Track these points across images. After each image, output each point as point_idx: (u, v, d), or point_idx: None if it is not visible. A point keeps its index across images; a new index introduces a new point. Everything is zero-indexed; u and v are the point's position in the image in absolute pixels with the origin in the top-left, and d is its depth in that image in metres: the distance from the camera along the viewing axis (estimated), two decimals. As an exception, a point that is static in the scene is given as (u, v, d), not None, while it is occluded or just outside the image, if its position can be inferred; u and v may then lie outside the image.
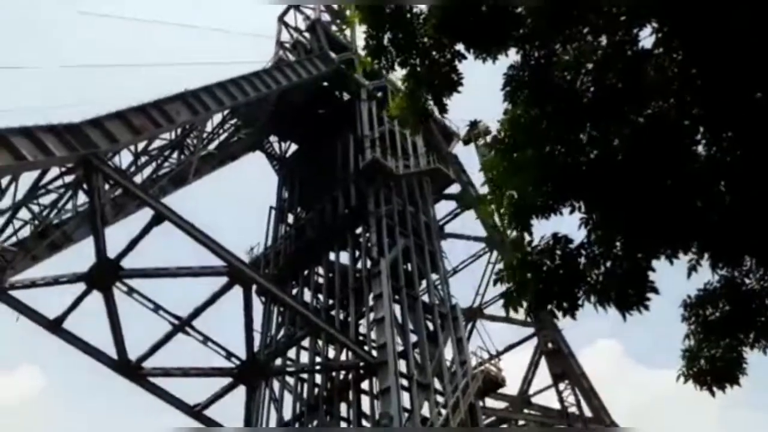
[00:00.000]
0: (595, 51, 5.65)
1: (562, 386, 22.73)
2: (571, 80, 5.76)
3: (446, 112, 5.89)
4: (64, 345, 15.65)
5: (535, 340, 24.21)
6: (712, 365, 5.93)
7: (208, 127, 21.54)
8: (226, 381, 17.71)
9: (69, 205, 15.78)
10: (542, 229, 5.28)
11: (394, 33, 5.52)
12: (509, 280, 5.02)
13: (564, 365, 22.91)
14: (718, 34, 5.06)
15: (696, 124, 5.50)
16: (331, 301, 21.64)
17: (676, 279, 5.37)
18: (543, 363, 23.71)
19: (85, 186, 15.05)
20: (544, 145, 5.12)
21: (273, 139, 29.21)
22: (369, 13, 5.38)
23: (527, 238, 4.98)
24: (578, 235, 5.27)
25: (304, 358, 20.56)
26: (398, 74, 6.58)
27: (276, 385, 20.38)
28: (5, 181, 12.99)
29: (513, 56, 6.01)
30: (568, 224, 5.42)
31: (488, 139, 30.08)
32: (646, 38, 5.66)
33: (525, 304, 5.03)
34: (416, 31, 5.59)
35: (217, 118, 21.69)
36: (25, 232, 15.46)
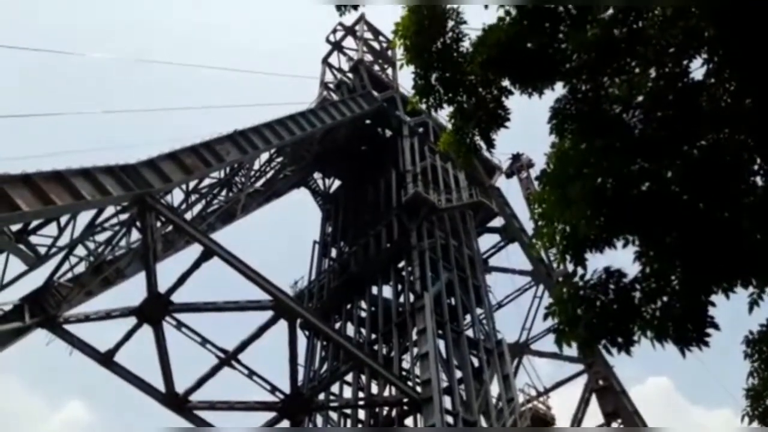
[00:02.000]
0: (645, 84, 5.62)
1: (614, 425, 21.83)
2: (621, 113, 5.74)
3: (494, 147, 5.94)
4: (108, 380, 16.00)
5: (584, 377, 23.45)
6: (779, 405, 5.66)
7: (256, 165, 22.11)
8: (270, 415, 17.74)
9: (123, 242, 16.34)
10: (595, 263, 5.20)
11: (442, 71, 5.64)
12: (560, 315, 4.94)
13: (616, 403, 22.05)
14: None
15: (752, 154, 5.38)
16: (374, 336, 21.56)
17: (729, 313, 5.19)
18: (593, 400, 22.90)
19: (138, 224, 15.60)
20: (594, 178, 5.07)
21: (317, 175, 29.77)
22: (416, 53, 5.52)
23: (580, 271, 4.90)
24: (631, 270, 5.17)
25: (348, 393, 20.44)
26: (440, 111, 6.68)
27: (320, 420, 20.26)
28: (64, 219, 13.57)
29: (559, 90, 6.05)
30: (621, 259, 5.33)
31: (531, 172, 29.96)
32: (697, 69, 5.62)
33: (577, 339, 4.92)
34: (463, 68, 5.69)
35: (264, 156, 22.27)
36: (81, 268, 16.05)
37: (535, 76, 5.93)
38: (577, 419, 22.92)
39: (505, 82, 6.02)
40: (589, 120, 5.78)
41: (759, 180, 5.35)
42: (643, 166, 5.45)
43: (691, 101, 5.50)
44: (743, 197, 5.22)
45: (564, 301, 4.76)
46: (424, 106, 5.83)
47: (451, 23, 5.68)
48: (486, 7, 5.87)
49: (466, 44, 5.86)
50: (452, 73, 5.69)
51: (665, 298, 4.98)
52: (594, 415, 22.69)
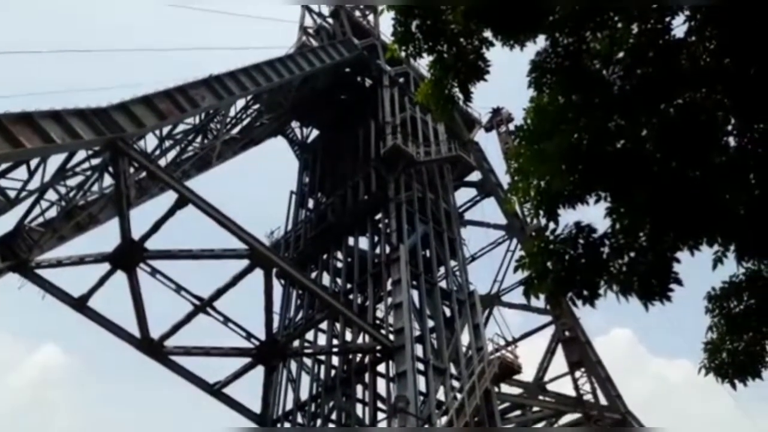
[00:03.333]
0: (627, 39, 5.58)
1: (578, 374, 22.71)
2: (601, 69, 5.72)
3: (471, 100, 5.87)
4: (83, 326, 16.03)
5: (552, 328, 24.19)
6: (734, 358, 5.91)
7: (232, 112, 21.69)
8: (245, 361, 18.04)
9: (95, 187, 16.06)
10: (568, 218, 5.28)
11: (422, 19, 5.50)
12: (530, 268, 5.03)
13: (580, 353, 22.87)
14: (753, 22, 4.98)
15: (727, 115, 5.43)
16: (349, 286, 21.82)
17: (691, 269, 5.34)
18: (559, 351, 23.71)
19: (110, 169, 15.31)
20: (571, 134, 5.09)
21: (295, 124, 29.32)
22: (398, -1, 5.37)
23: (551, 226, 4.97)
24: (602, 226, 5.27)
25: (322, 340, 20.82)
26: (421, 61, 6.57)
27: (294, 366, 20.67)
28: (34, 162, 13.25)
29: (541, 43, 5.98)
30: (593, 215, 5.40)
31: (510, 126, 29.91)
32: (679, 27, 5.59)
33: (545, 291, 5.04)
34: (444, 17, 5.56)
35: (240, 103, 21.83)
36: (52, 212, 15.79)
37: (517, 28, 5.83)
38: (543, 368, 23.77)
39: (487, 33, 5.91)
40: (569, 75, 5.74)
41: (732, 140, 5.42)
42: (619, 123, 5.48)
43: (671, 59, 5.49)
44: (715, 157, 5.29)
45: (534, 254, 4.84)
46: (403, 54, 5.71)
47: (433, -31, 5.51)
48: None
49: (447, -8, 5.71)
50: (433, 22, 5.56)
51: (632, 254, 5.11)
52: (560, 364, 23.58)
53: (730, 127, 5.40)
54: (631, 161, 5.14)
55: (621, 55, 5.69)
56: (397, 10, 5.44)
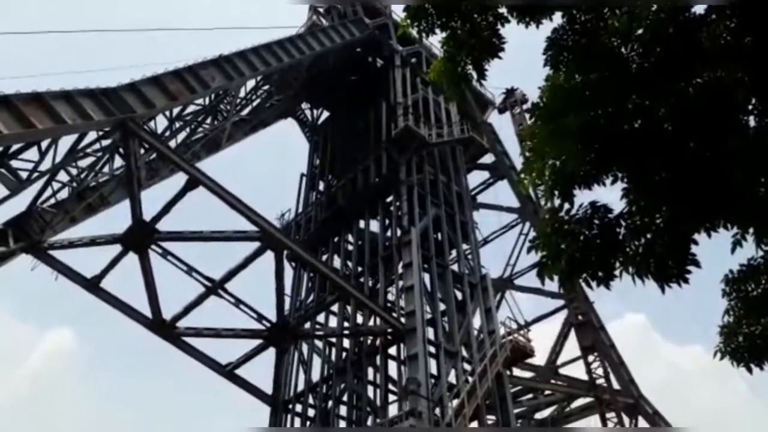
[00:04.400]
0: (646, 16, 5.41)
1: (590, 358, 22.66)
2: (619, 46, 5.56)
3: (485, 78, 5.74)
4: (96, 307, 16.17)
5: (564, 312, 24.12)
6: (751, 342, 5.82)
7: (242, 93, 21.58)
8: (256, 342, 18.17)
9: (106, 168, 16.10)
10: (583, 199, 5.16)
11: (436, -5, 5.37)
12: (544, 249, 4.94)
13: (593, 337, 22.80)
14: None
15: (747, 94, 5.27)
16: (360, 269, 21.81)
17: (707, 255, 5.22)
18: (572, 335, 23.65)
19: (121, 150, 15.32)
20: (587, 112, 4.95)
21: (305, 105, 29.14)
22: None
23: (566, 207, 4.86)
24: (618, 207, 5.15)
25: (333, 323, 20.88)
26: (433, 40, 6.44)
27: (305, 348, 20.78)
28: (45, 143, 13.27)
29: (557, 21, 5.82)
30: (608, 196, 5.29)
31: (525, 107, 29.55)
32: (699, 4, 5.42)
33: (559, 272, 4.94)
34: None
35: (251, 83, 21.70)
36: (64, 193, 15.87)
37: (534, 4, 5.69)
38: (556, 352, 23.74)
39: (502, 9, 5.77)
40: (586, 52, 5.60)
41: (752, 120, 5.27)
42: (636, 102, 5.34)
43: (690, 37, 5.33)
44: (734, 137, 5.15)
45: (548, 234, 4.75)
46: (415, 31, 5.58)
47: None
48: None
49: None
50: (447, -3, 5.42)
51: (649, 236, 4.99)
52: (572, 348, 23.54)
53: (750, 107, 5.25)
54: (648, 141, 5.01)
55: (640, 32, 5.53)
56: (410, -15, 5.31)
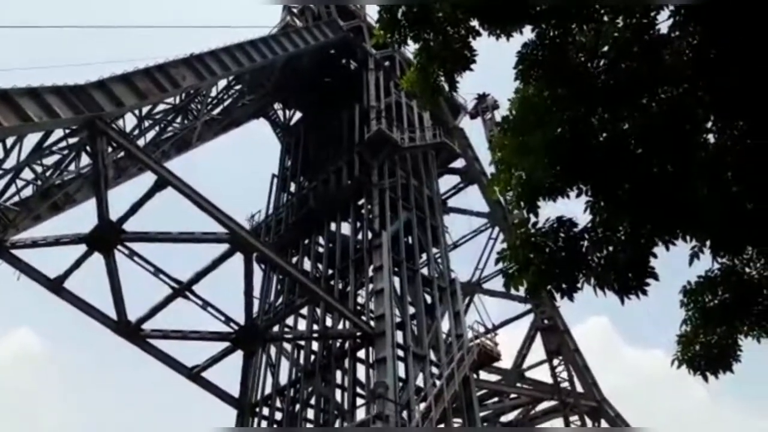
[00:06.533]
0: (612, 33, 5.58)
1: (555, 362, 23.06)
2: (586, 62, 5.72)
3: (456, 90, 5.85)
4: (59, 309, 15.82)
5: (531, 316, 24.48)
6: (707, 351, 6.02)
7: (213, 92, 21.38)
8: (224, 345, 17.99)
9: (72, 167, 15.78)
10: (548, 210, 5.31)
11: (409, 7, 5.44)
12: (511, 260, 5.06)
13: (559, 341, 23.21)
14: (737, 19, 5.00)
15: (708, 111, 5.47)
16: (330, 271, 21.79)
17: (670, 261, 5.42)
18: (538, 339, 24.03)
19: (88, 148, 15.03)
20: (555, 126, 5.09)
21: (277, 106, 28.99)
22: (385, -15, 5.29)
23: (533, 219, 5.00)
24: (582, 218, 5.30)
25: (302, 325, 20.80)
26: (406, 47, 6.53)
27: (273, 351, 20.65)
28: (10, 141, 12.95)
29: (527, 34, 5.95)
30: (569, 209, 5.44)
31: (496, 113, 29.94)
32: (663, 22, 5.60)
33: (525, 283, 5.07)
34: (431, 5, 5.50)
35: (222, 83, 21.52)
36: (28, 191, 15.50)
37: (504, 18, 5.80)
38: (522, 355, 24.08)
39: (474, 23, 5.87)
40: (555, 67, 5.74)
41: (711, 137, 5.47)
42: (602, 117, 5.50)
43: (654, 54, 5.50)
44: (694, 153, 5.34)
45: (516, 246, 4.87)
46: (388, 41, 5.65)
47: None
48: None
49: (436, -20, 5.65)
50: (419, 9, 5.50)
51: (610, 248, 5.15)
52: (538, 351, 23.90)
53: (710, 124, 5.45)
54: (612, 156, 5.17)
55: (606, 48, 5.69)
56: (384, -3, 5.37)
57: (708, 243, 5.38)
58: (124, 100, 15.25)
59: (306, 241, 23.22)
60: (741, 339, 6.07)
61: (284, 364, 20.20)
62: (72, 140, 14.90)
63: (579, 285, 4.88)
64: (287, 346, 20.42)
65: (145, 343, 16.90)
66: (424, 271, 21.16)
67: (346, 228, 22.54)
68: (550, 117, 5.28)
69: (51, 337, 56.87)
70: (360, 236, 21.81)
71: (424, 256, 21.73)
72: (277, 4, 27.80)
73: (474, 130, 30.31)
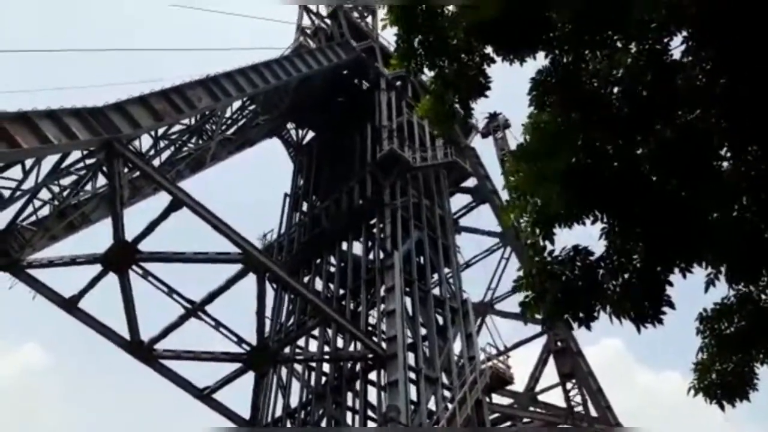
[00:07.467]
0: (625, 60, 5.62)
1: (569, 385, 22.75)
2: (599, 88, 5.75)
3: (471, 116, 5.91)
4: (74, 327, 15.92)
5: (544, 338, 24.23)
6: (723, 379, 5.95)
7: (227, 113, 21.62)
8: (235, 366, 17.95)
9: (88, 187, 15.99)
10: (563, 235, 5.31)
11: (425, 35, 5.52)
12: (528, 288, 5.06)
13: (572, 364, 22.92)
14: (749, 44, 5.02)
15: (722, 137, 5.47)
16: (342, 291, 21.76)
17: (685, 286, 5.38)
18: (551, 361, 23.75)
19: (105, 169, 15.24)
20: (570, 154, 5.11)
21: (290, 126, 29.24)
22: (402, 14, 5.38)
23: (549, 247, 5.00)
24: (597, 244, 5.30)
25: (313, 346, 20.74)
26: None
27: (284, 372, 20.58)
28: (29, 162, 13.17)
29: (540, 59, 6.01)
30: (585, 233, 5.44)
31: (507, 132, 29.99)
32: (676, 48, 5.63)
33: (542, 312, 5.06)
34: (446, 33, 5.58)
35: (237, 103, 21.76)
36: (45, 211, 15.69)
37: (518, 45, 5.87)
38: (535, 378, 23.80)
39: (488, 49, 5.94)
40: (568, 93, 5.77)
41: (725, 164, 5.46)
42: (617, 144, 5.51)
43: (668, 81, 5.52)
44: (710, 179, 5.32)
45: (532, 275, 4.87)
46: (405, 69, 5.74)
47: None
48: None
49: (451, 8, 5.74)
50: (435, 38, 5.59)
51: (626, 276, 5.14)
52: (551, 374, 23.61)
53: (724, 150, 5.44)
54: (627, 182, 5.17)
55: (619, 73, 5.72)
56: (401, 26, 5.46)
57: (723, 269, 5.35)
58: (140, 121, 15.49)
59: (318, 261, 23.25)
60: (758, 367, 5.99)
61: (295, 386, 20.13)
62: (89, 161, 15.12)
63: (596, 314, 4.86)
64: (298, 367, 20.35)
65: (157, 363, 16.91)
66: (436, 291, 21.09)
67: (357, 248, 22.57)
68: (565, 144, 5.30)
69: (58, 352, 57.03)
70: (372, 256, 21.81)
71: (436, 276, 21.66)
72: (293, 3, 28.17)
73: (485, 150, 30.32)
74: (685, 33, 5.54)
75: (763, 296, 5.92)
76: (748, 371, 5.95)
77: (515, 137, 28.11)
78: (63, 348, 55.48)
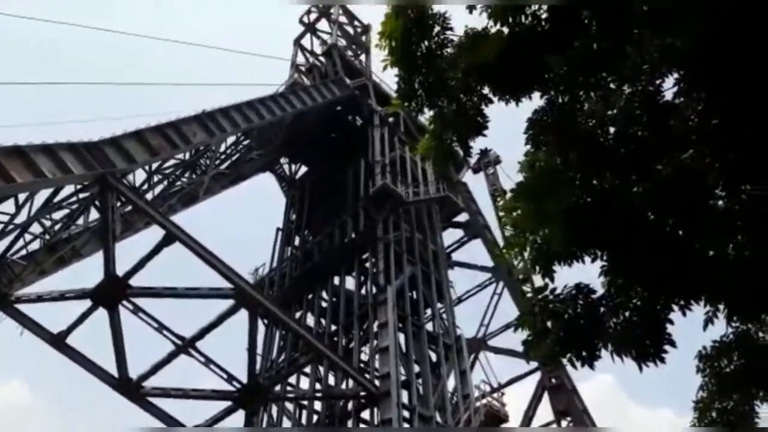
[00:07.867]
0: (619, 101, 5.75)
1: (564, 423, 22.45)
2: (595, 128, 5.86)
3: (470, 155, 5.99)
4: (56, 362, 15.60)
5: (538, 374, 24.00)
6: (724, 418, 5.92)
7: (222, 148, 21.72)
8: (225, 404, 17.59)
9: (80, 221, 15.88)
10: (561, 273, 5.32)
11: (425, 76, 5.64)
12: (529, 327, 5.05)
13: (567, 401, 22.66)
14: (741, 85, 5.14)
15: (717, 176, 5.55)
16: (334, 327, 21.55)
17: (682, 323, 5.39)
18: (545, 398, 23.46)
19: (97, 203, 15.17)
20: (568, 193, 5.17)
21: (284, 160, 29.41)
22: (403, 56, 5.51)
23: (550, 285, 5.01)
24: (596, 281, 5.32)
25: (305, 384, 20.40)
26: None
27: (275, 410, 20.18)
28: (22, 196, 13.11)
29: (536, 99, 6.14)
30: (582, 271, 5.46)
31: (498, 168, 30.28)
32: (669, 89, 5.77)
33: (544, 351, 5.03)
34: (446, 74, 5.71)
35: (231, 138, 21.89)
36: (35, 245, 15.54)
37: (515, 86, 5.99)
38: (529, 416, 23.47)
39: (486, 90, 6.06)
40: (565, 132, 5.87)
41: (720, 203, 5.54)
42: (613, 183, 5.59)
43: (662, 121, 5.64)
44: (705, 218, 5.39)
45: (534, 313, 4.86)
46: (406, 109, 5.84)
47: (437, 28, 5.68)
48: (470, 11, 5.89)
49: (449, 50, 5.87)
50: (435, 78, 5.70)
51: (627, 314, 5.14)
52: (545, 412, 23.30)
53: (718, 190, 5.52)
54: (625, 221, 5.22)
55: (614, 113, 5.84)
56: (402, 67, 5.58)
57: (722, 308, 5.38)
58: (136, 156, 15.52)
59: (310, 296, 23.07)
60: (758, 405, 5.98)
61: (286, 425, 19.70)
62: (82, 195, 15.06)
63: (598, 353, 4.84)
64: (289, 405, 19.97)
65: (145, 401, 16.53)
66: (429, 326, 20.92)
67: (350, 282, 22.45)
68: (563, 183, 5.37)
69: (43, 390, 55.62)
70: (364, 291, 21.69)
71: (429, 312, 21.53)
72: (302, 4, 28.61)
73: (476, 185, 30.57)
74: (676, 75, 5.69)
75: (761, 333, 5.95)
76: (748, 410, 5.94)
77: (506, 173, 28.42)
78: (48, 386, 54.15)
